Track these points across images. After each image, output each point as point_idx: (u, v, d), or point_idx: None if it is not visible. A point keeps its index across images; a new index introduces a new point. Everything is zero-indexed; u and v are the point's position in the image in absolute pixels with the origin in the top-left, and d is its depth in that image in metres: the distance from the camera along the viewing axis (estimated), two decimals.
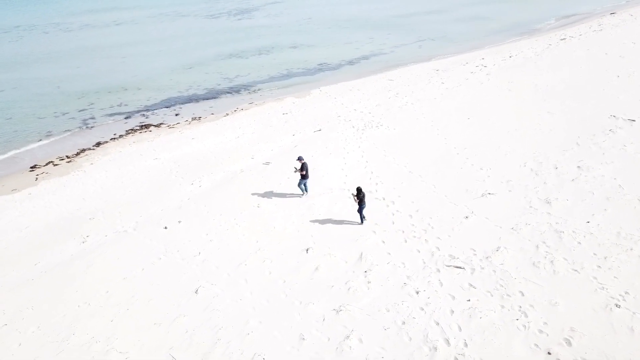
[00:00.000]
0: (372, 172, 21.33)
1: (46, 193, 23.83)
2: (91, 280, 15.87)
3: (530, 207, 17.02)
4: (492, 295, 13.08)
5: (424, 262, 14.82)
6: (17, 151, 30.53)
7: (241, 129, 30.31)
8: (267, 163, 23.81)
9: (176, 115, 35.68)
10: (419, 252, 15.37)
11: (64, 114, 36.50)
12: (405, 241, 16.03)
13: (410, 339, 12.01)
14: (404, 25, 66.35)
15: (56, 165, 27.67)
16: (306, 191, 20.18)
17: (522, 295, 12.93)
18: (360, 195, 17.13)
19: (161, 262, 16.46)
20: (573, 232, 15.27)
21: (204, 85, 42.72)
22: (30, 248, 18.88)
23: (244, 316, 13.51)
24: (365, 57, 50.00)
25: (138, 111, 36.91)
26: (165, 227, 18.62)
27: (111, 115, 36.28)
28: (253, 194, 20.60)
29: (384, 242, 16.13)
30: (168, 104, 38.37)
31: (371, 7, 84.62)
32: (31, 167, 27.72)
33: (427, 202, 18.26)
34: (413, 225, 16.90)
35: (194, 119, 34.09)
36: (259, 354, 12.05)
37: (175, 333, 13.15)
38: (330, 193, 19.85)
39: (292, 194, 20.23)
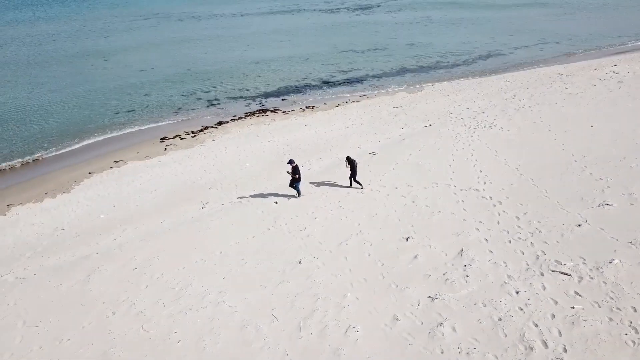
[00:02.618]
0: (480, 171, 21.01)
1: (173, 162, 26.45)
2: (208, 241, 17.56)
3: None
4: (599, 307, 12.51)
5: (527, 264, 14.48)
6: (150, 124, 34.04)
7: (351, 120, 31.14)
8: (374, 153, 24.35)
9: (291, 102, 37.48)
10: (523, 253, 15.02)
11: (191, 94, 39.92)
12: (509, 241, 15.72)
13: (506, 335, 11.92)
14: (527, 26, 63.10)
15: (182, 138, 30.49)
16: (298, 194, 20.34)
17: (635, 311, 12.20)
18: (352, 164, 19.97)
19: (270, 232, 17.74)
20: None
21: (319, 76, 44.25)
22: (158, 207, 21.24)
23: (342, 290, 14.22)
24: (483, 57, 48.50)
25: (257, 96, 39.28)
26: (276, 202, 19.95)
27: (232, 98, 39.00)
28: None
29: (486, 240, 15.97)
30: (284, 91, 40.35)
31: (492, 8, 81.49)
32: (161, 139, 30.81)
33: (537, 206, 17.67)
34: (519, 227, 16.50)
35: (307, 107, 35.59)
36: (354, 327, 12.67)
37: (279, 296, 14.21)
38: (435, 187, 19.92)
39: (395, 183, 20.59)
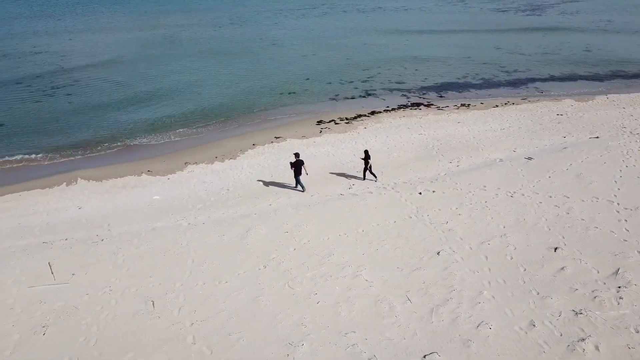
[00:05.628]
0: None
1: (326, 144, 28.10)
2: (352, 218, 18.60)
3: None
4: None
5: None
6: (309, 107, 36.33)
7: (508, 122, 29.94)
8: (530, 158, 23.27)
9: (446, 99, 37.09)
10: None
11: (349, 82, 41.60)
12: None
13: None
14: None
15: (337, 123, 32.11)
16: (296, 187, 22.09)
17: None
18: (367, 158, 21.86)
19: (411, 221, 18.19)
20: None
21: (479, 75, 42.97)
22: (309, 182, 22.91)
23: (478, 287, 14.19)
24: None
25: (411, 90, 39.54)
26: (420, 193, 20.29)
27: (387, 89, 39.77)
28: (507, 184, 20.64)
29: None
30: (440, 87, 40.00)
31: None
32: (317, 121, 32.80)
33: None
34: None
35: (462, 105, 34.95)
36: (486, 323, 12.65)
37: (413, 281, 14.68)
38: (595, 202, 18.54)
39: (550, 191, 19.57)
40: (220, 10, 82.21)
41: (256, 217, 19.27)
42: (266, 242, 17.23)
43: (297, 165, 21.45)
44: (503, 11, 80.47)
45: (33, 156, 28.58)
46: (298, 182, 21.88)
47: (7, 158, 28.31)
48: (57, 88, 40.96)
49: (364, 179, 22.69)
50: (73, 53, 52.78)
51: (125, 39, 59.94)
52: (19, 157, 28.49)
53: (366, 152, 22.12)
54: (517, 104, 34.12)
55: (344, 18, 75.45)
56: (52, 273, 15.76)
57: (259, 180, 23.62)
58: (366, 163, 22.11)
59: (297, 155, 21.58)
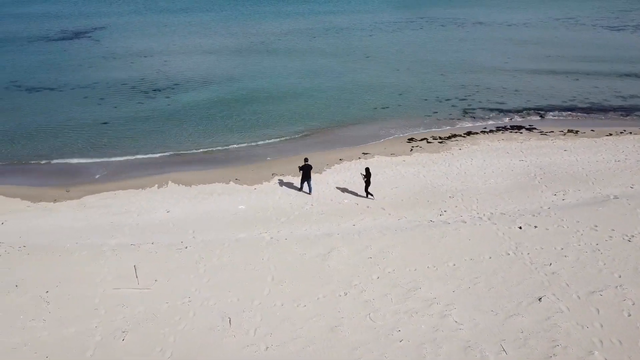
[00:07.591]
0: None
1: (416, 163, 26.80)
2: (441, 249, 17.27)
3: None
4: None
5: None
6: (400, 123, 35.04)
7: (624, 153, 26.91)
8: None
9: (551, 123, 34.34)
10: None
11: (446, 100, 39.78)
12: None
13: None
14: None
15: (429, 142, 30.64)
16: (301, 189, 23.20)
17: None
18: (368, 175, 21.92)
19: (509, 258, 16.53)
20: None
21: (589, 99, 39.39)
22: (395, 203, 21.89)
23: (588, 345, 12.39)
24: None
25: (512, 111, 37.03)
26: (520, 227, 18.49)
27: (486, 109, 37.55)
28: (624, 226, 18.26)
29: None
30: (544, 110, 37.11)
31: None
32: (408, 139, 31.53)
33: None
34: None
35: (569, 131, 32.06)
36: None
37: (510, 328, 13.15)
38: None
39: None
40: (315, 20, 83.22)
41: (339, 237, 18.51)
42: (348, 266, 16.40)
43: (305, 170, 22.63)
44: (619, 30, 74.01)
45: (131, 156, 29.99)
46: (308, 185, 22.95)
47: (106, 156, 29.95)
48: (158, 91, 43.03)
49: (367, 196, 22.62)
50: (174, 59, 55.56)
51: (222, 45, 62.13)
52: (118, 155, 30.02)
53: (367, 169, 22.29)
54: (635, 134, 30.65)
55: (441, 33, 73.28)
56: (137, 277, 16.00)
57: (344, 198, 22.90)
58: (367, 181, 22.22)
59: (306, 160, 23.09)
